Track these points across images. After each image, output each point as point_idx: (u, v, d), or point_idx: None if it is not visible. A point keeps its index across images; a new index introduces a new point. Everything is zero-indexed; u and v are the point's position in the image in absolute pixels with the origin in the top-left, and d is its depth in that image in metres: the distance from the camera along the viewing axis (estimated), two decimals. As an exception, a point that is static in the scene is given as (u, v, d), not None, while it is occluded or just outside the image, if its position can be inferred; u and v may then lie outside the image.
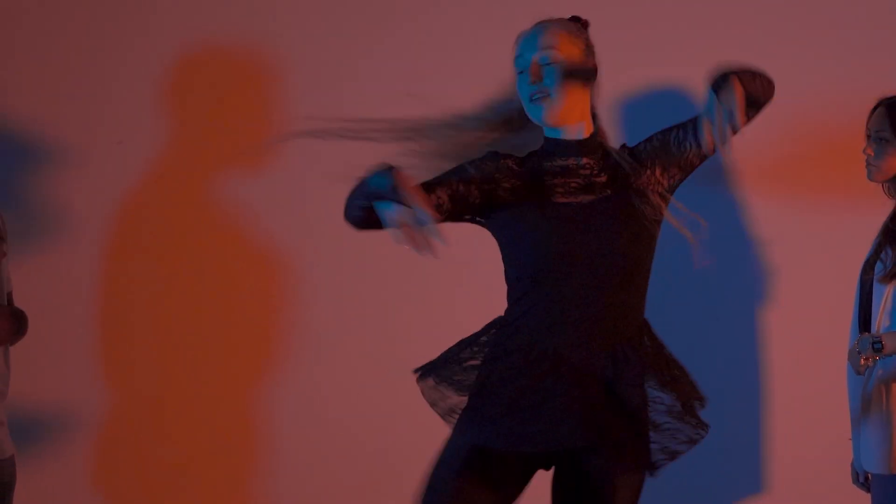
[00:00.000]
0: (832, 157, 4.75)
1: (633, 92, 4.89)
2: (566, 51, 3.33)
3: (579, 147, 3.36)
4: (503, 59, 4.51)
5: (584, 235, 3.26)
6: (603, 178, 3.35)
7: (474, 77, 4.59)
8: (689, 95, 4.88)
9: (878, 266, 3.96)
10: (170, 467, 4.78)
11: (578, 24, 3.43)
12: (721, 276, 4.84)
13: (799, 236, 4.81)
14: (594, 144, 3.38)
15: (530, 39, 3.36)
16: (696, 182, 4.71)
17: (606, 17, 4.67)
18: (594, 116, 3.44)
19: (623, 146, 3.46)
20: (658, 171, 3.40)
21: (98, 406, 4.74)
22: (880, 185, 4.07)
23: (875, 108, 4.04)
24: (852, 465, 4.13)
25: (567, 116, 3.34)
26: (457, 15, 4.78)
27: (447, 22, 4.86)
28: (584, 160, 3.36)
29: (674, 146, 3.38)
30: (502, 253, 3.38)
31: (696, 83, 4.66)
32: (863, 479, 4.08)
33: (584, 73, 3.34)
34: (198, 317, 4.77)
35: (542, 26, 3.37)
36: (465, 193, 3.25)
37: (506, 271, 3.38)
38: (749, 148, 4.77)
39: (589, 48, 3.40)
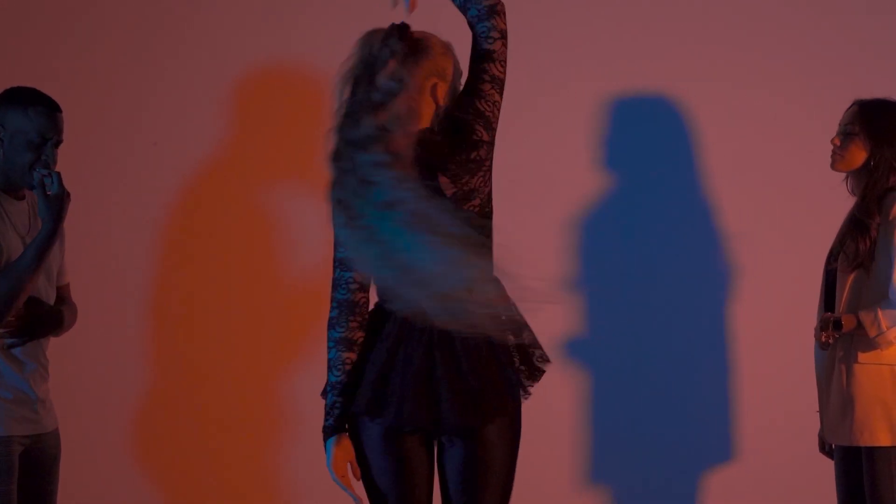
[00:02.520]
0: (798, 156, 4.82)
1: (615, 98, 4.89)
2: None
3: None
4: (522, 69, 4.50)
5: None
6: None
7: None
8: (674, 102, 4.90)
9: (842, 256, 4.07)
10: (202, 443, 4.85)
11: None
12: (694, 263, 4.89)
13: (765, 228, 4.87)
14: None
15: None
16: (671, 178, 4.86)
17: (592, 28, 4.84)
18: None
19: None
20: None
21: (137, 387, 4.83)
22: (844, 183, 4.19)
23: (850, 107, 4.15)
24: (819, 434, 4.23)
25: None
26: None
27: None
28: None
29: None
30: None
31: (678, 90, 4.87)
32: (828, 448, 4.21)
33: None
34: (231, 306, 4.84)
35: None
36: None
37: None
38: (721, 147, 4.88)
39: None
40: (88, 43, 4.80)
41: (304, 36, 4.82)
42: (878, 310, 3.99)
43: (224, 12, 4.83)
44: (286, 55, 4.84)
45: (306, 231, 4.81)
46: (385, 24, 4.63)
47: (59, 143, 3.77)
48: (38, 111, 3.71)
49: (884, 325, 3.98)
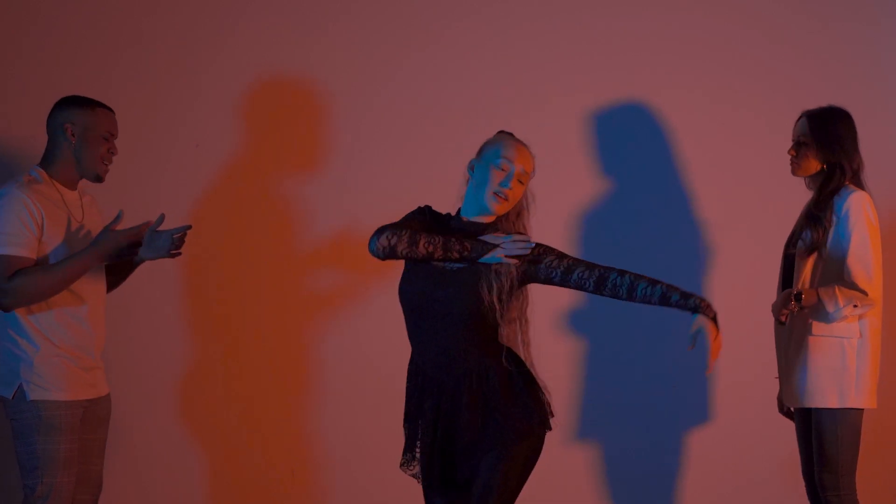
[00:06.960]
0: (761, 157, 5.05)
1: (603, 109, 5.09)
2: (530, 174, 3.83)
3: (486, 227, 3.83)
4: (523, 88, 4.83)
5: (435, 292, 3.74)
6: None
7: (484, 103, 4.88)
8: (651, 112, 5.06)
9: (800, 244, 4.28)
10: (239, 402, 5.00)
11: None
12: (675, 247, 5.13)
13: (733, 218, 5.11)
14: (493, 226, 3.83)
15: (517, 151, 3.82)
16: (657, 175, 5.05)
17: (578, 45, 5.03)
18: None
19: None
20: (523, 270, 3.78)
21: (182, 357, 4.98)
22: (802, 179, 4.40)
23: (799, 118, 4.36)
24: (778, 397, 4.48)
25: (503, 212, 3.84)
26: (473, 53, 4.87)
27: (461, 61, 4.90)
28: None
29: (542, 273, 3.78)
30: None
31: (657, 102, 5.06)
32: (786, 410, 4.46)
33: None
34: (260, 284, 4.98)
35: (524, 147, 3.84)
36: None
37: None
38: (698, 149, 5.08)
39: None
40: (142, 64, 4.95)
41: (312, 52, 4.97)
42: (836, 288, 4.20)
43: (240, 30, 4.97)
44: (294, 69, 4.98)
45: (325, 218, 4.95)
46: (389, 39, 4.80)
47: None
48: (104, 112, 3.93)
49: (840, 302, 4.19)
